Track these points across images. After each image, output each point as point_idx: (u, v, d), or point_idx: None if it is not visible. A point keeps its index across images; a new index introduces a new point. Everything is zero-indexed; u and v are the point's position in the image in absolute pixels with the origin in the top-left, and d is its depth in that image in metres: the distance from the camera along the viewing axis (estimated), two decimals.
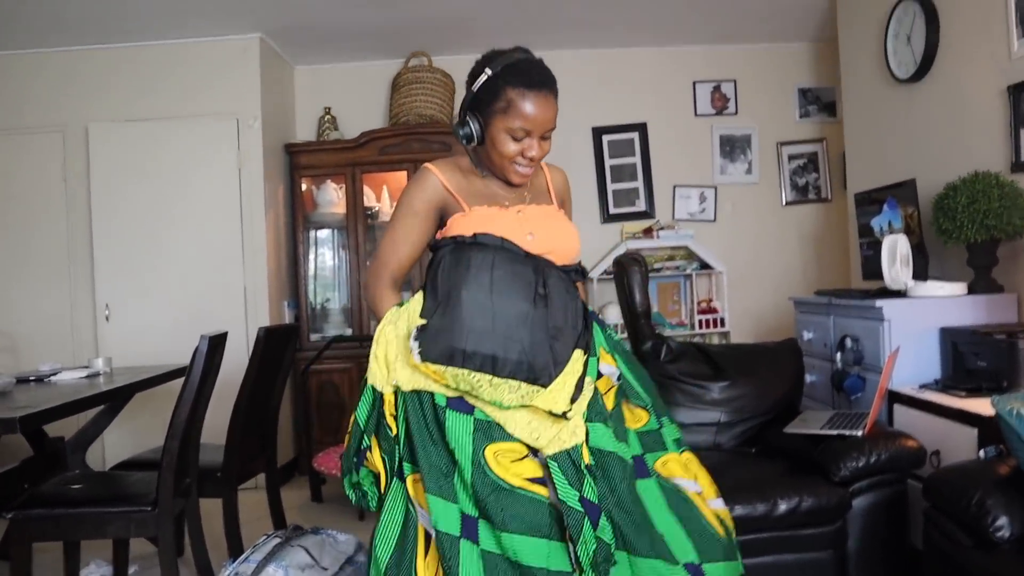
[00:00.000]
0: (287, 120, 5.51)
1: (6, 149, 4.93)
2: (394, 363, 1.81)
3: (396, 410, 1.82)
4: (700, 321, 5.45)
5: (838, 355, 3.49)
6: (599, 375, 1.88)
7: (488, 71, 1.81)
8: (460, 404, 1.74)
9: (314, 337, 5.29)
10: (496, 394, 1.71)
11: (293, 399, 5.18)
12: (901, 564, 2.71)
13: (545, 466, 1.72)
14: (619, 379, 1.94)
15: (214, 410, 3.21)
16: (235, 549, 3.26)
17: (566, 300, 1.84)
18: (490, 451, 1.70)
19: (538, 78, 1.81)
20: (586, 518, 1.64)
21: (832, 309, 3.66)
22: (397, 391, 1.82)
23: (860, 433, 2.70)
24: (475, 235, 1.83)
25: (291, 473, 5.16)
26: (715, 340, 5.36)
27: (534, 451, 1.74)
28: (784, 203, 5.69)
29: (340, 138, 5.38)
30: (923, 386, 3.06)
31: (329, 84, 5.65)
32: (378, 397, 1.84)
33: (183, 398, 2.84)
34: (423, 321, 1.78)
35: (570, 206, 2.11)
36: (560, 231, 1.95)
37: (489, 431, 1.72)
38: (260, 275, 4.91)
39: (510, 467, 1.70)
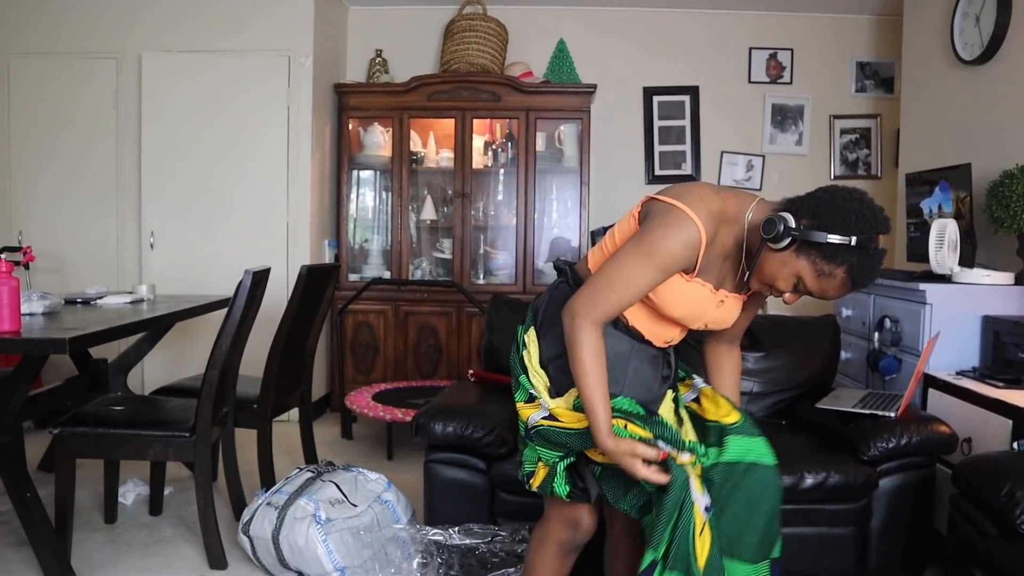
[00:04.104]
0: (338, 60, 5.50)
1: (60, 73, 4.97)
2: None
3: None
4: None
5: (876, 335, 3.47)
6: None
7: (854, 240, 1.62)
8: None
9: (352, 277, 5.34)
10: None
11: (329, 337, 5.26)
12: (923, 547, 2.72)
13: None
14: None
15: (252, 343, 3.28)
16: (267, 479, 3.36)
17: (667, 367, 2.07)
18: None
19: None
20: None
21: (873, 288, 3.63)
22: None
23: (893, 414, 2.69)
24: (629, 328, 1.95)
25: (323, 409, 5.26)
26: None
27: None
28: (832, 177, 5.59)
29: (390, 81, 5.36)
30: (960, 373, 3.04)
31: (381, 26, 5.63)
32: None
33: (225, 330, 2.89)
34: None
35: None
36: (728, 320, 1.92)
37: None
38: (303, 213, 4.95)
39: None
